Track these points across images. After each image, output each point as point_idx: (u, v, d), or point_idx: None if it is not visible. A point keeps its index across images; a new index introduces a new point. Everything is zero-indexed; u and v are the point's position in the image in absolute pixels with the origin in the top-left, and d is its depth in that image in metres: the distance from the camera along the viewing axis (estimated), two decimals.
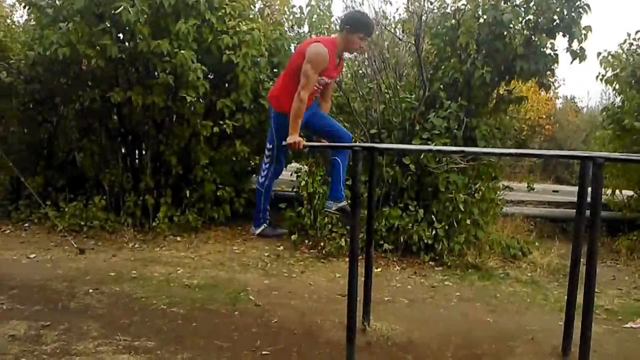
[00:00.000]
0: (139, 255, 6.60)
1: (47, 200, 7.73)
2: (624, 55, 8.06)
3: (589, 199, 3.14)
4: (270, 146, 4.25)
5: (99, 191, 7.79)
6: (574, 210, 3.63)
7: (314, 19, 8.10)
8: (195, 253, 6.84)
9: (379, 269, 6.30)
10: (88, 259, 6.39)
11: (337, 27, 5.45)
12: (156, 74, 7.02)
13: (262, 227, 4.51)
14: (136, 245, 7.06)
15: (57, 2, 7.24)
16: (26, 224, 7.77)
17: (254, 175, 8.70)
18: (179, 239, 7.38)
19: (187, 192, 7.63)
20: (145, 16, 6.63)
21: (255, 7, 8.26)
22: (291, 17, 8.50)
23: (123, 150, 8.21)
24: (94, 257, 6.48)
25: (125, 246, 7.01)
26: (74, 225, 7.38)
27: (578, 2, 6.40)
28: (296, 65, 3.87)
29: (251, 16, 7.62)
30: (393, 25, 8.04)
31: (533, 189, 8.47)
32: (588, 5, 6.43)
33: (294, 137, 3.74)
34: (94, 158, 8.10)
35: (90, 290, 5.14)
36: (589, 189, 3.14)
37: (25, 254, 6.42)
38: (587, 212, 3.16)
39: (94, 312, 4.65)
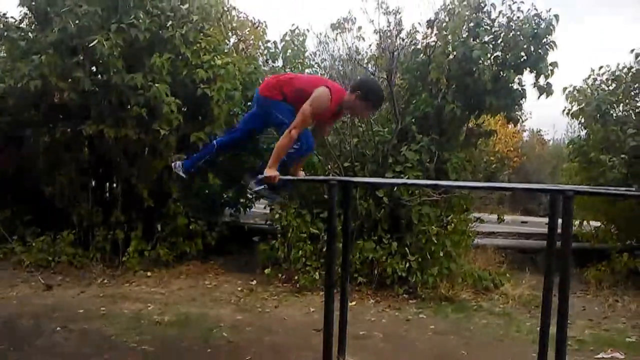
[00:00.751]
0: (109, 291, 6.45)
1: (13, 235, 7.54)
2: (589, 90, 8.32)
3: (559, 230, 3.20)
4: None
5: (68, 225, 7.61)
6: (544, 242, 3.69)
7: (288, 54, 8.20)
8: (166, 288, 6.71)
9: (354, 303, 6.27)
10: (56, 295, 6.22)
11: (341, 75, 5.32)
12: (129, 106, 6.98)
13: (181, 165, 4.33)
14: (105, 281, 6.90)
15: (30, 34, 7.22)
16: None
17: (227, 208, 8.66)
18: (149, 274, 7.23)
19: (159, 225, 7.53)
20: (120, 49, 6.64)
21: (229, 41, 8.35)
22: (265, 51, 8.60)
23: (93, 184, 8.09)
24: (62, 293, 6.31)
25: (94, 282, 6.85)
26: (41, 261, 7.20)
27: (544, 40, 6.64)
28: (305, 92, 3.75)
29: (226, 50, 7.68)
30: (366, 61, 8.19)
31: (503, 221, 8.59)
32: (554, 42, 6.68)
33: (272, 171, 3.71)
34: (64, 191, 7.93)
35: (58, 328, 4.99)
36: (559, 221, 3.20)
37: None
38: (558, 244, 3.22)
39: (62, 351, 4.51)
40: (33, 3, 7.04)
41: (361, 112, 3.99)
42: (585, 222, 8.74)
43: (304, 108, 3.64)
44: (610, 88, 8.27)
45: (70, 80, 6.79)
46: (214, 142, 4.32)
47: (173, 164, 4.37)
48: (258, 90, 4.00)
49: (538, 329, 3.85)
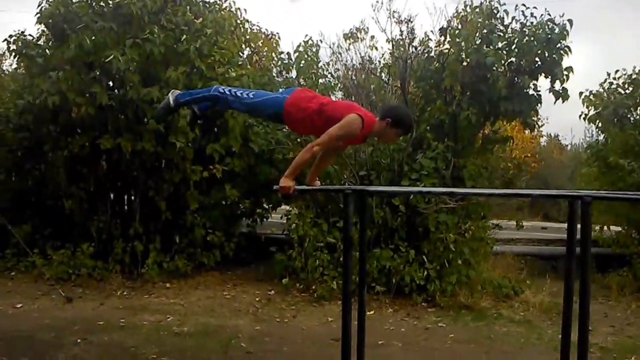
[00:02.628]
0: (128, 303, 6.50)
1: (34, 249, 7.61)
2: (605, 95, 8.25)
3: (578, 236, 3.16)
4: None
5: (87, 238, 7.68)
6: (564, 248, 3.65)
7: (301, 64, 8.23)
8: (185, 299, 6.74)
9: (372, 312, 6.24)
10: (76, 307, 6.27)
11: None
12: (146, 120, 7.06)
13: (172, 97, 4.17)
14: (125, 293, 6.95)
15: (48, 51, 7.35)
16: (13, 273, 7.63)
17: (244, 219, 8.69)
18: (168, 285, 7.28)
19: (177, 237, 7.58)
20: (135, 64, 6.73)
21: (243, 53, 8.42)
22: (279, 62, 8.65)
23: (112, 197, 8.18)
24: (82, 305, 6.37)
25: (114, 294, 6.90)
26: (61, 274, 7.26)
27: (559, 45, 6.62)
28: (334, 119, 3.62)
29: (240, 62, 7.76)
30: (379, 70, 8.21)
31: (522, 227, 8.51)
32: (569, 47, 6.66)
33: (287, 181, 3.68)
34: (82, 205, 8.03)
35: (79, 340, 5.03)
36: (578, 227, 3.16)
37: (11, 303, 6.28)
38: (577, 250, 3.18)
39: None
40: (50, 20, 7.17)
41: (391, 138, 3.96)
42: (605, 227, 8.62)
43: (332, 131, 3.56)
44: (628, 92, 8.19)
45: (87, 95, 6.90)
46: (217, 88, 4.09)
47: (172, 91, 4.27)
48: (286, 101, 3.77)
49: (559, 336, 3.80)
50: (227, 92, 3.93)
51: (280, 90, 4.05)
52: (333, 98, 8.47)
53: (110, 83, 7.26)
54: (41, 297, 6.62)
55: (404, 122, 3.78)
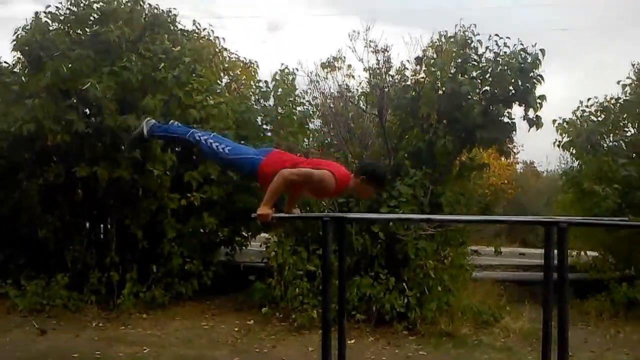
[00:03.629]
0: (103, 335, 6.36)
1: (7, 279, 7.42)
2: (578, 122, 8.42)
3: (555, 262, 3.18)
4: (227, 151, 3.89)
5: (62, 268, 7.51)
6: (542, 273, 3.68)
7: (279, 92, 8.28)
8: (162, 331, 6.61)
9: (352, 341, 6.18)
10: (50, 339, 6.12)
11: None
12: (122, 148, 7.00)
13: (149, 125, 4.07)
14: (100, 324, 6.80)
15: (23, 78, 7.29)
16: None
17: (223, 247, 8.60)
18: (145, 316, 7.14)
19: (154, 266, 7.47)
20: (113, 92, 6.70)
21: (222, 81, 8.44)
22: (257, 90, 8.69)
23: (87, 226, 8.06)
24: (56, 337, 6.22)
25: (89, 325, 6.75)
26: (35, 305, 7.08)
27: (531, 73, 6.76)
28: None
29: (218, 90, 7.78)
30: (357, 98, 8.29)
31: (500, 253, 8.57)
32: (541, 76, 6.80)
33: (265, 209, 3.66)
34: (57, 234, 7.88)
35: None
36: (555, 252, 3.19)
37: None
38: (555, 276, 3.20)
39: None
40: (26, 48, 7.14)
41: (367, 194, 4.01)
42: (582, 253, 8.70)
43: (309, 171, 3.60)
44: (600, 119, 8.38)
45: (63, 122, 6.82)
46: (193, 134, 4.02)
47: (146, 119, 4.23)
48: (261, 162, 3.77)
49: None
50: (203, 142, 3.94)
51: (256, 150, 4.05)
52: (311, 126, 8.56)
53: (87, 110, 7.21)
54: (14, 329, 6.46)
55: (378, 178, 3.83)
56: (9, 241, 8.22)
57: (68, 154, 7.42)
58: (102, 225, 8.15)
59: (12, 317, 6.92)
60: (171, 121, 4.59)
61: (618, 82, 8.22)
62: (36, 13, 7.28)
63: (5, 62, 7.47)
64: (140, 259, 7.61)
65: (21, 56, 7.43)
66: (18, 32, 7.15)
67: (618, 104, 8.33)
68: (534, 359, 5.47)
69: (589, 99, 8.50)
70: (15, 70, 7.53)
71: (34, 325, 6.45)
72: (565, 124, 8.42)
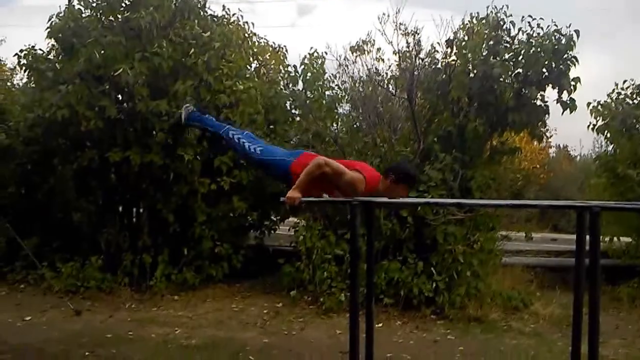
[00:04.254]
0: (136, 316, 6.51)
1: (43, 261, 7.65)
2: (614, 105, 8.22)
3: (587, 248, 3.13)
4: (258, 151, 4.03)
5: (96, 251, 7.72)
6: (573, 259, 3.63)
7: (308, 77, 8.27)
8: (193, 312, 6.74)
9: (380, 324, 6.20)
10: (84, 320, 6.28)
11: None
12: (154, 133, 7.10)
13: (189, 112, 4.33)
14: (133, 306, 6.96)
15: (57, 65, 7.42)
16: (22, 286, 7.68)
17: (252, 231, 8.70)
18: (176, 297, 7.28)
19: (185, 249, 7.59)
20: (144, 77, 6.78)
21: (251, 66, 8.47)
22: (286, 75, 8.70)
23: (120, 209, 8.22)
24: (91, 318, 6.38)
25: (122, 306, 6.91)
26: (70, 286, 7.29)
27: (565, 55, 6.59)
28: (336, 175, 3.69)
29: (247, 75, 7.80)
30: (386, 82, 8.22)
31: (531, 239, 8.45)
32: (576, 58, 6.63)
33: (295, 192, 3.67)
34: (91, 218, 8.08)
35: (87, 353, 5.04)
36: (588, 238, 3.14)
37: (20, 316, 6.31)
38: (587, 261, 3.15)
39: None
40: (60, 35, 7.26)
41: (399, 194, 3.94)
42: (615, 239, 8.54)
43: (344, 169, 3.63)
44: (636, 102, 8.15)
45: (96, 108, 6.95)
46: (227, 130, 4.17)
47: (185, 106, 4.37)
48: (292, 164, 3.86)
49: (570, 348, 3.76)
50: (236, 140, 4.05)
51: (286, 152, 4.11)
52: (340, 111, 8.54)
53: (119, 96, 7.31)
54: (50, 310, 6.64)
55: (407, 177, 3.87)
56: (44, 225, 8.46)
57: (101, 140, 7.56)
58: (134, 209, 8.30)
59: (48, 298, 7.13)
60: (207, 115, 4.64)
61: None
62: (69, 0, 7.39)
63: (40, 49, 7.62)
64: (171, 242, 7.75)
65: (55, 43, 7.56)
66: (52, 20, 7.27)
67: None
68: (564, 345, 5.40)
69: (624, 81, 8.29)
70: (49, 57, 7.66)
71: (69, 306, 6.62)
72: (600, 107, 8.22)
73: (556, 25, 6.75)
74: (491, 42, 6.93)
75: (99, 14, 7.44)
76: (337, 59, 8.44)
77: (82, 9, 7.43)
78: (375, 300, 5.92)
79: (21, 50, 7.45)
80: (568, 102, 6.75)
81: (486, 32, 7.01)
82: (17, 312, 6.49)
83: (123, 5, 7.33)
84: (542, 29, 6.79)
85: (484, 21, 7.08)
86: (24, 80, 8.97)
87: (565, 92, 6.69)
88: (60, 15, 7.30)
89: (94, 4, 7.45)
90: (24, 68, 7.56)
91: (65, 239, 8.18)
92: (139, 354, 5.08)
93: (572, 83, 6.65)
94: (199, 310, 6.81)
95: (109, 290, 7.36)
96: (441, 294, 6.60)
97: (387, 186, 3.80)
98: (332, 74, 8.60)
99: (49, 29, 7.28)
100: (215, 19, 8.07)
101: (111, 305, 6.92)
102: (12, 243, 8.15)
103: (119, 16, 7.25)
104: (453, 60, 7.15)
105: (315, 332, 6.05)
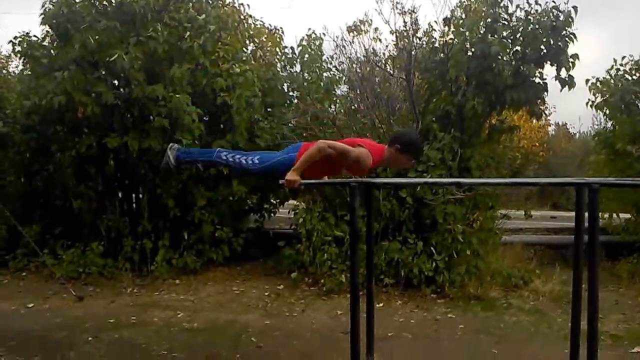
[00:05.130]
0: (138, 300, 6.54)
1: (44, 249, 7.68)
2: (612, 81, 8.17)
3: (587, 224, 3.14)
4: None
5: (97, 237, 7.75)
6: (573, 236, 3.64)
7: (305, 59, 8.22)
8: (194, 295, 6.78)
9: (381, 304, 6.24)
10: (87, 306, 6.32)
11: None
12: (151, 118, 7.08)
13: (174, 152, 4.15)
14: (135, 290, 7.00)
15: (52, 51, 7.37)
16: (24, 273, 7.72)
17: (252, 215, 8.72)
18: (177, 282, 7.32)
19: (185, 234, 7.61)
20: (140, 62, 6.74)
21: (247, 49, 8.40)
22: (283, 57, 8.64)
23: (120, 195, 8.23)
24: (93, 303, 6.42)
25: (124, 291, 6.95)
26: (72, 273, 7.33)
27: (564, 32, 6.54)
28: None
29: (244, 58, 7.76)
30: (384, 62, 8.18)
31: (531, 217, 8.46)
32: (574, 34, 6.57)
33: (294, 175, 3.67)
34: (91, 204, 8.09)
35: (90, 339, 5.07)
36: (586, 214, 3.14)
37: (23, 303, 6.34)
38: (586, 238, 3.16)
39: None
40: (54, 21, 7.18)
41: (403, 163, 3.94)
42: (614, 215, 8.56)
43: (349, 148, 3.61)
44: (635, 78, 8.11)
45: (92, 94, 6.92)
46: (219, 154, 4.11)
47: (170, 146, 4.31)
48: (296, 157, 3.78)
49: (569, 324, 3.79)
50: (230, 160, 3.98)
51: (283, 150, 4.05)
52: (338, 92, 8.50)
53: (115, 82, 7.26)
54: (52, 297, 6.68)
55: (413, 146, 3.82)
56: (44, 212, 8.48)
57: (98, 126, 7.54)
58: (134, 195, 8.31)
59: (50, 285, 7.16)
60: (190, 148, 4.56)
61: None
62: None
63: (35, 36, 7.56)
64: (171, 226, 7.77)
65: (49, 30, 7.49)
66: (45, 6, 7.19)
67: None
68: (563, 321, 5.45)
69: (623, 58, 8.22)
70: (44, 43, 7.60)
71: (71, 292, 6.66)
72: (598, 84, 8.17)
73: (554, 2, 6.68)
74: (489, 20, 6.87)
75: None
76: (334, 40, 8.39)
77: None
78: (375, 280, 5.96)
79: (15, 37, 7.38)
80: (566, 79, 6.71)
81: (484, 9, 6.96)
82: (20, 299, 6.52)
83: None
84: (540, 5, 6.73)
85: None
86: (20, 67, 8.91)
87: (563, 69, 6.65)
88: (54, 1, 7.22)
89: None
90: (19, 55, 7.50)
91: (66, 225, 8.20)
92: (142, 338, 5.12)
93: (571, 60, 6.61)
94: (201, 294, 6.85)
95: (110, 275, 7.40)
96: (441, 273, 6.63)
97: (392, 155, 3.79)
98: (329, 55, 8.56)
99: (42, 15, 7.20)
100: (210, 2, 7.99)
101: (113, 291, 6.96)
102: (13, 231, 8.16)
103: (113, 1, 7.18)
104: (451, 39, 7.09)
105: (317, 313, 6.09)
